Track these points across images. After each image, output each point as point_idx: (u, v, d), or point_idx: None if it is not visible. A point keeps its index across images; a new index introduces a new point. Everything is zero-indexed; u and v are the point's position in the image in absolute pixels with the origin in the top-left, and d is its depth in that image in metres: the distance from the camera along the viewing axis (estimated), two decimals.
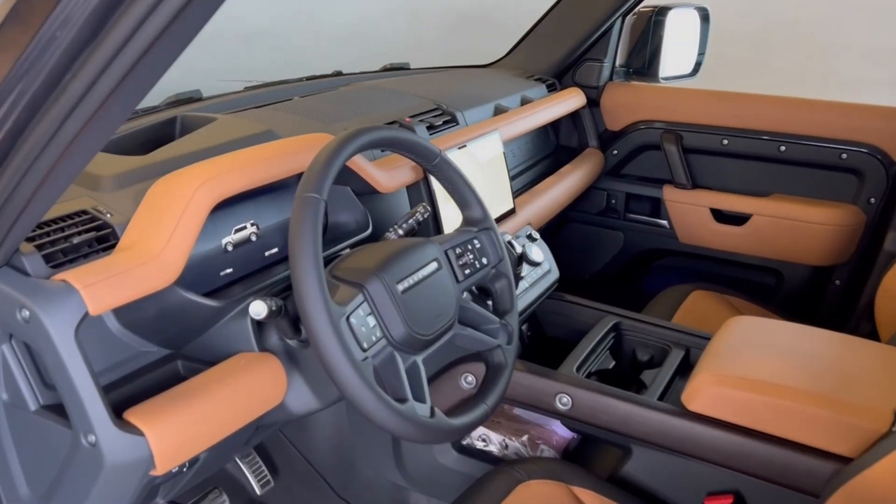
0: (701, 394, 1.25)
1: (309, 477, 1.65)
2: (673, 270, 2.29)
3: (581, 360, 1.42)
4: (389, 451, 1.54)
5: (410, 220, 1.21)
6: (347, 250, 1.25)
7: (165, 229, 0.96)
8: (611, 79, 2.22)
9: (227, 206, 1.15)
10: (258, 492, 1.63)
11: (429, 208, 1.23)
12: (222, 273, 1.13)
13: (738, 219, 2.09)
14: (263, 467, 1.66)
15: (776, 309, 1.97)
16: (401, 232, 1.20)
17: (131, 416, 0.92)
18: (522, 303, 1.50)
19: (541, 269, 1.59)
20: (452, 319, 1.06)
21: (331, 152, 0.95)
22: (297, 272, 0.87)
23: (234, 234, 1.15)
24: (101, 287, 0.87)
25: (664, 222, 2.20)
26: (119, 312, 1.00)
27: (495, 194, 1.58)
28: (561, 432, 1.53)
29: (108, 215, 1.00)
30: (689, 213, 2.15)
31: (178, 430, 0.94)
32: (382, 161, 1.34)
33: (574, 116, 2.20)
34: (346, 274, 0.99)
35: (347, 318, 0.91)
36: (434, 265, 1.07)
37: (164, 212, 0.97)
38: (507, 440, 1.51)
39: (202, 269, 1.10)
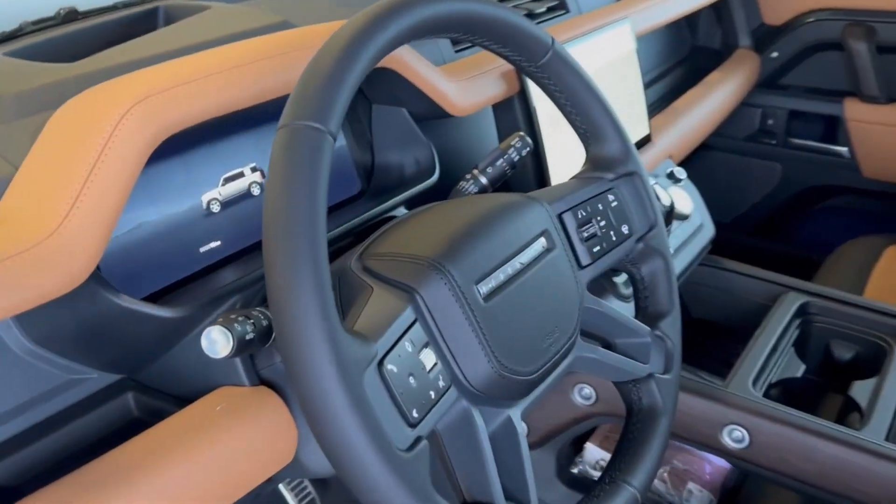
0: None
1: None
2: (852, 215, 1.77)
3: (759, 368, 0.96)
4: None
5: (500, 161, 0.77)
6: (401, 210, 0.82)
7: (68, 186, 0.56)
8: None
9: (210, 143, 0.75)
10: None
11: (529, 141, 0.78)
12: (203, 249, 0.74)
13: None
14: (306, 481, 1.30)
15: None
16: (484, 181, 0.76)
17: None
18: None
19: (690, 223, 1.13)
20: (572, 335, 0.63)
21: (345, 45, 0.51)
22: (273, 276, 0.45)
23: (224, 185, 0.76)
24: None
25: (842, 149, 1.68)
26: (24, 323, 0.61)
27: (625, 116, 1.10)
28: (715, 461, 1.09)
29: None
30: (881, 136, 1.62)
31: None
32: (454, 66, 0.89)
33: (718, 6, 1.68)
34: (387, 268, 0.57)
35: (380, 365, 0.49)
36: (542, 244, 0.63)
37: (67, 156, 0.57)
38: None
39: (168, 244, 0.71)
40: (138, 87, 0.59)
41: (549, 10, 1.13)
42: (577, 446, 1.12)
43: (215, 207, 0.75)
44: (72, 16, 1.05)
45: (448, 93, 0.82)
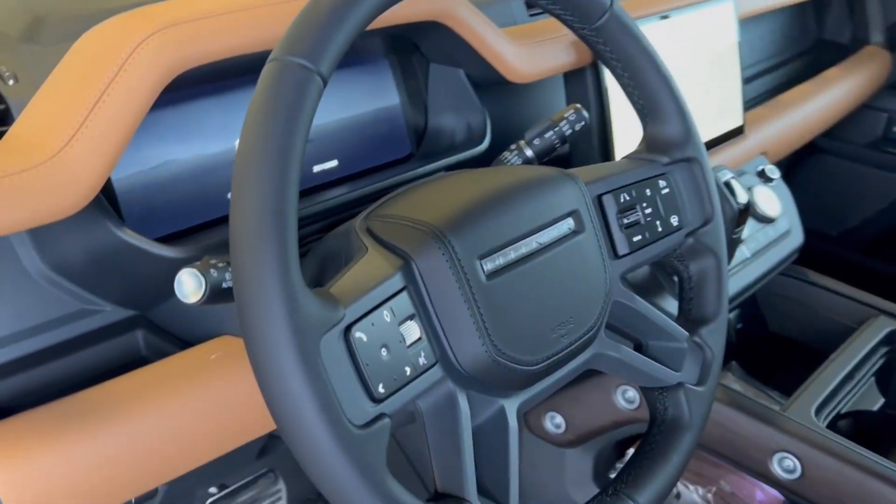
0: None
1: (401, 474, 1.25)
2: None
3: (827, 395, 0.87)
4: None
5: (549, 134, 0.71)
6: (442, 175, 0.77)
7: (75, 112, 0.55)
8: None
9: (254, 86, 0.72)
10: None
11: (585, 115, 0.72)
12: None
13: None
14: None
15: None
16: (529, 153, 0.71)
17: None
18: (739, 281, 0.96)
19: (775, 227, 1.03)
20: (592, 329, 0.57)
21: None
22: (235, 218, 0.42)
23: None
24: None
25: None
26: (40, 246, 0.61)
27: (714, 101, 1.02)
28: (770, 489, 1.00)
29: (11, 82, 0.60)
30: None
31: (68, 471, 0.55)
32: (523, 29, 0.84)
33: None
34: (387, 230, 0.53)
35: (347, 331, 0.45)
36: (568, 225, 0.57)
37: (79, 82, 0.56)
38: (682, 486, 1.01)
39: (195, 186, 0.69)
40: (158, 17, 0.57)
41: None
42: (620, 451, 1.06)
43: None
44: None
45: (507, 56, 0.77)
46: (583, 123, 0.72)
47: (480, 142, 0.80)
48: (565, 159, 0.91)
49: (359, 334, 0.45)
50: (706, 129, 1.01)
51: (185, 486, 0.83)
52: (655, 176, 0.64)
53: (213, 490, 1.18)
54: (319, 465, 0.42)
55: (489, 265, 0.52)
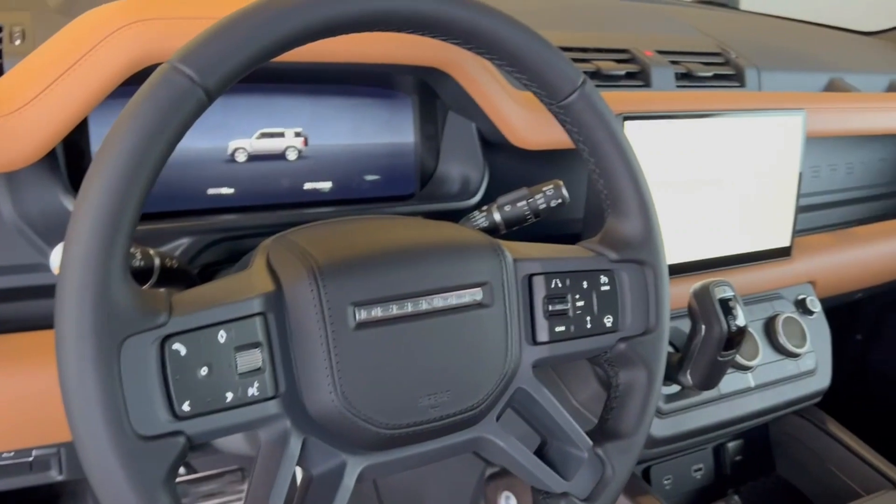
0: None
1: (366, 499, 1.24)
2: None
3: None
4: None
5: (521, 203, 0.68)
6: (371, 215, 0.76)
7: (46, 77, 0.58)
8: None
9: (261, 94, 0.74)
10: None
11: (565, 193, 0.68)
12: (211, 191, 0.73)
13: None
14: None
15: None
16: (497, 218, 0.68)
17: None
18: (734, 409, 0.88)
19: (797, 363, 0.94)
20: (477, 407, 0.53)
21: (282, 6, 0.46)
22: (78, 199, 0.43)
23: (258, 139, 0.74)
24: None
25: None
26: (15, 194, 0.65)
27: (758, 215, 0.94)
28: None
29: (17, 41, 0.64)
30: None
31: None
32: None
33: None
34: (278, 255, 0.52)
35: (165, 342, 0.44)
36: (473, 296, 0.54)
37: (57, 54, 0.59)
38: None
39: (174, 174, 0.71)
40: (139, 11, 0.59)
41: (719, 76, 0.99)
42: None
43: (240, 157, 0.75)
44: None
45: (512, 119, 0.75)
46: (559, 201, 0.68)
47: (470, 196, 0.78)
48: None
49: (177, 346, 0.44)
50: (746, 239, 0.94)
51: None
52: (597, 270, 0.60)
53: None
54: (88, 463, 0.42)
55: (363, 314, 0.50)
